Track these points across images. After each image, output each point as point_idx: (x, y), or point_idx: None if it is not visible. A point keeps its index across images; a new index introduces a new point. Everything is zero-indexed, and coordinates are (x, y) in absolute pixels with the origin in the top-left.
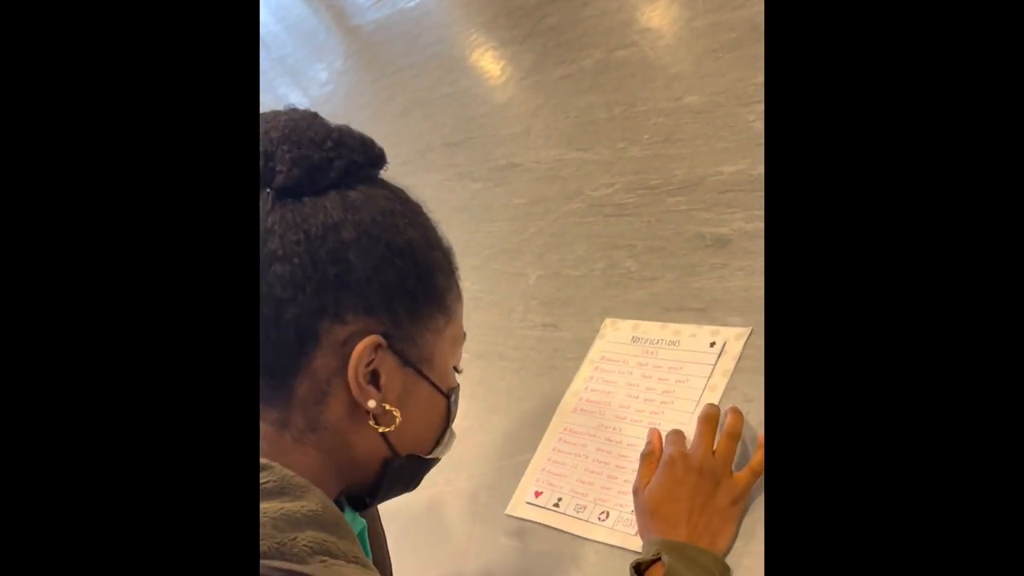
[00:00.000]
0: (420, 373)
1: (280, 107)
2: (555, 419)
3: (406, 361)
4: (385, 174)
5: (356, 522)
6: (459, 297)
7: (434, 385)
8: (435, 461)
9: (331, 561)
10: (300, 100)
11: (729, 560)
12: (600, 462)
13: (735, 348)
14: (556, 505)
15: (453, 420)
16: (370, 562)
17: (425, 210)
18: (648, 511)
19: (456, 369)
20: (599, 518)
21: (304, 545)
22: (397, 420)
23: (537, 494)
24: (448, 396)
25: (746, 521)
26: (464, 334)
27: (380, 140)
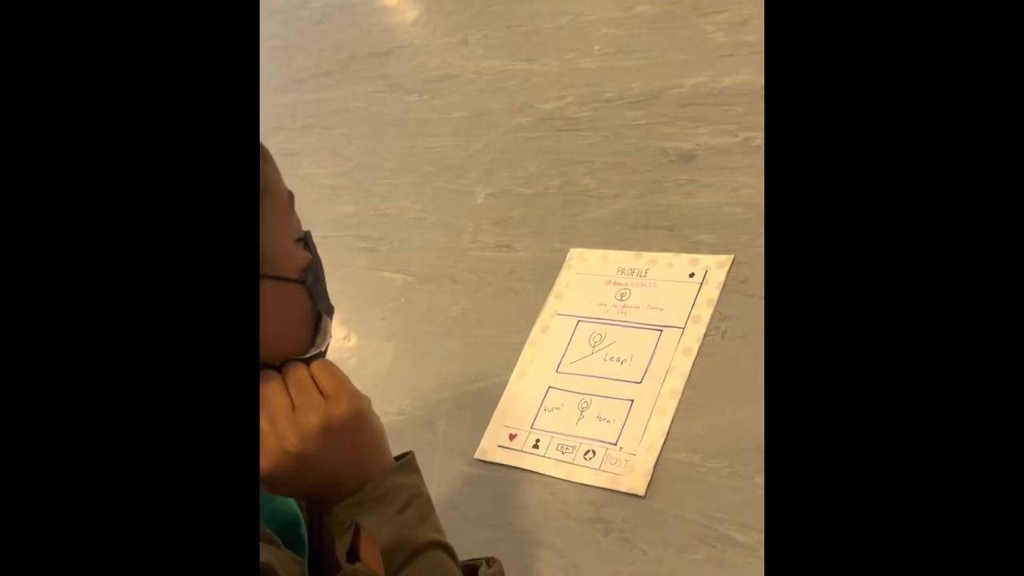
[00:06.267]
0: None
1: None
2: (524, 353)
3: None
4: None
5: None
6: (264, 158)
7: (275, 277)
8: (321, 356)
9: None
10: None
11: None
12: (584, 396)
13: (718, 276)
14: (535, 447)
15: (322, 300)
16: (277, 539)
17: None
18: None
19: (302, 240)
20: (585, 457)
21: None
22: None
23: (512, 437)
24: (303, 280)
25: (749, 497)
26: (291, 194)
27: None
